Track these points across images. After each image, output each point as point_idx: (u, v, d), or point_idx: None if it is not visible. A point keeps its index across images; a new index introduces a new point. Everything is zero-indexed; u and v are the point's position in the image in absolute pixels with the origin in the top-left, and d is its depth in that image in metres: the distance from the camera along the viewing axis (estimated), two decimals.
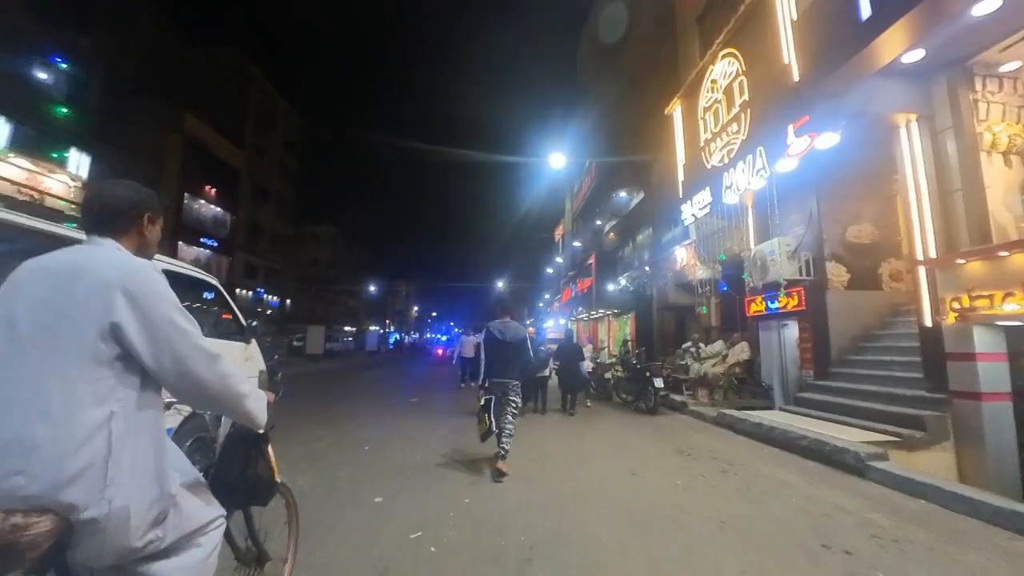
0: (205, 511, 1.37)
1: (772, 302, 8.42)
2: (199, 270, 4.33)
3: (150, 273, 1.20)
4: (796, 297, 7.91)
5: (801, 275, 7.91)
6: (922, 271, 5.81)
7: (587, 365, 9.99)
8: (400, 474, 4.60)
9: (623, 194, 16.33)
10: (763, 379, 9.08)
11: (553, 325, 28.93)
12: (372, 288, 56.62)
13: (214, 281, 4.49)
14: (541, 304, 36.05)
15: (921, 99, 5.92)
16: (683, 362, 10.90)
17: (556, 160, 21.81)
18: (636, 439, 6.48)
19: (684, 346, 11.07)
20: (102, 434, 1.07)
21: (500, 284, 47.81)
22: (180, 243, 28.55)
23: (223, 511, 1.47)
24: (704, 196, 9.16)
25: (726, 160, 8.69)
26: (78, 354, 1.08)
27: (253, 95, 36.31)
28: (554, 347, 10.28)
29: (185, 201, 29.89)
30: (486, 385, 4.88)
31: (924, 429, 5.24)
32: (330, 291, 52.21)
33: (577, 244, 20.82)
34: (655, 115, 14.86)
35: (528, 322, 34.39)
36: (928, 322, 5.72)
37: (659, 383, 8.48)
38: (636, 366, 9.56)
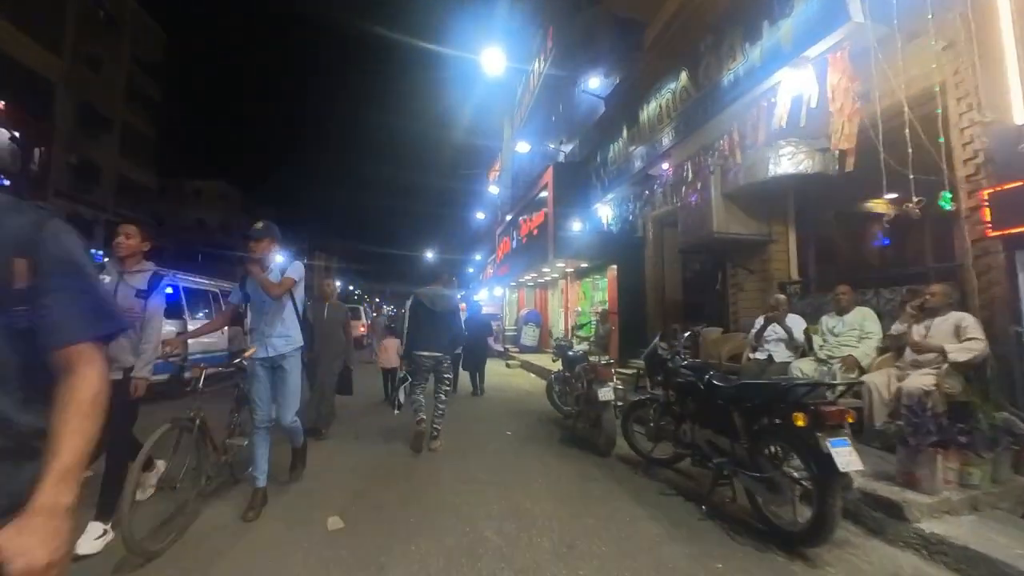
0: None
1: None
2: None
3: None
4: None
5: None
6: None
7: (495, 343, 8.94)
8: None
9: (597, 81, 10.09)
10: None
11: (488, 296, 22.66)
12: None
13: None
14: (471, 269, 29.50)
15: None
16: (756, 356, 4.99)
17: (491, 59, 15.19)
18: None
19: (761, 321, 5.09)
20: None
21: (430, 254, 42.35)
22: None
23: None
24: None
25: None
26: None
27: None
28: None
29: None
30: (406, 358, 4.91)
31: None
32: (224, 261, 44.61)
33: (525, 147, 13.60)
34: None
35: (459, 295, 27.88)
36: None
37: (847, 458, 2.30)
38: (710, 380, 3.36)
